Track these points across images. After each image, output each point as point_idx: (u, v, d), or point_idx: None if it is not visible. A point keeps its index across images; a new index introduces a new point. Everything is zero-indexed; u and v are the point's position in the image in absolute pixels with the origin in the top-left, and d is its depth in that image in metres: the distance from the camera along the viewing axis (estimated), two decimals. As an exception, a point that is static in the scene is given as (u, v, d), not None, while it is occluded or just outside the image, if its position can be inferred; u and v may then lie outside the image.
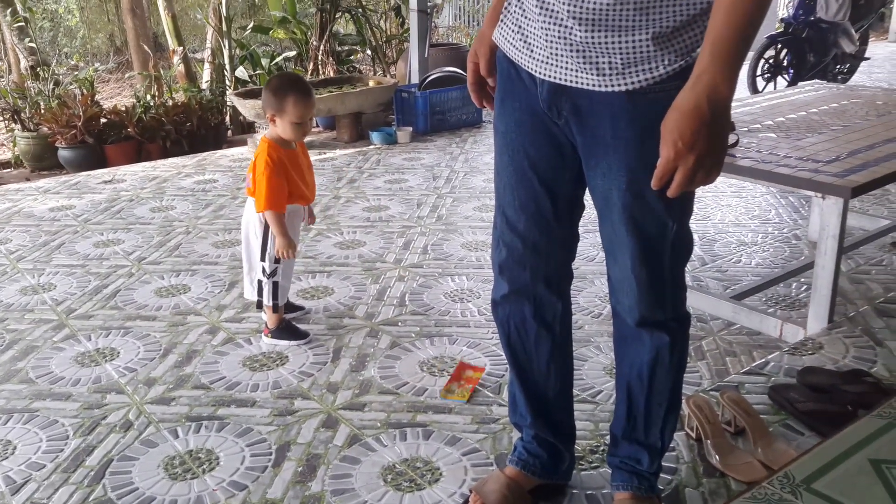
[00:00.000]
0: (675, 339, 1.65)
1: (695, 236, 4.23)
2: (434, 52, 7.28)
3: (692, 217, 1.63)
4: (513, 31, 1.53)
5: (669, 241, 1.54)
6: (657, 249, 1.54)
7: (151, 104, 6.44)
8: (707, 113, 1.23)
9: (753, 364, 2.46)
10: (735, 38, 1.21)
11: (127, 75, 10.02)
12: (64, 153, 6.07)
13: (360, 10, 7.79)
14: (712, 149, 1.25)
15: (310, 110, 2.74)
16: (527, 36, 1.49)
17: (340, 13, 7.59)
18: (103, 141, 6.12)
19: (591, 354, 2.82)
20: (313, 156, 5.95)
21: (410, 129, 6.39)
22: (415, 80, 6.83)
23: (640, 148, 1.42)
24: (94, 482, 2.19)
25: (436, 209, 4.56)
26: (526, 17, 1.48)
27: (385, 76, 7.61)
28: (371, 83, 6.73)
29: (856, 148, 2.65)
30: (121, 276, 3.65)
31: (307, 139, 6.50)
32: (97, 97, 6.73)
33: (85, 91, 6.45)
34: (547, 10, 1.41)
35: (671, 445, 2.00)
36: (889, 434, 1.87)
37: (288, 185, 2.79)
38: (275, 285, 2.90)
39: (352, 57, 8.25)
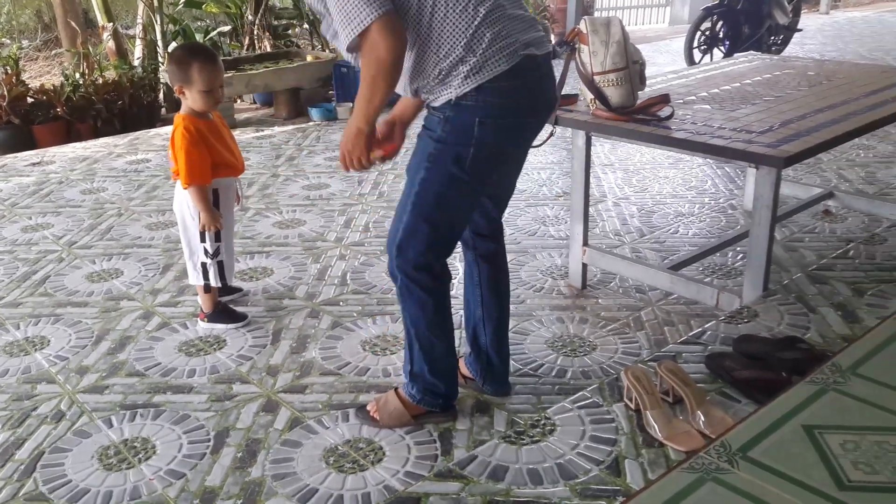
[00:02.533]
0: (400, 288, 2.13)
1: (633, 208, 4.24)
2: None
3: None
4: None
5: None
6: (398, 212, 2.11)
7: (81, 82, 6.22)
8: (345, 132, 2.00)
9: (690, 333, 2.49)
10: (361, 97, 1.91)
11: (55, 53, 9.66)
12: (-12, 134, 5.83)
13: (297, -17, 7.62)
14: (345, 145, 2.01)
15: (217, 76, 2.65)
16: None
17: (276, -14, 7.43)
18: (31, 121, 5.89)
19: (533, 328, 2.83)
20: (250, 133, 5.83)
21: (350, 104, 6.29)
22: (354, 54, 6.71)
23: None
24: (25, 476, 2.12)
25: (377, 186, 4.51)
26: None
27: (323, 51, 7.47)
28: (309, 58, 6.61)
29: (788, 118, 2.68)
30: (50, 261, 3.53)
31: (245, 116, 6.38)
32: (24, 76, 6.47)
33: (10, 70, 6.19)
34: None
35: (610, 417, 2.02)
36: (821, 400, 1.91)
37: (212, 156, 2.71)
38: (220, 265, 2.84)
39: (289, 31, 8.07)
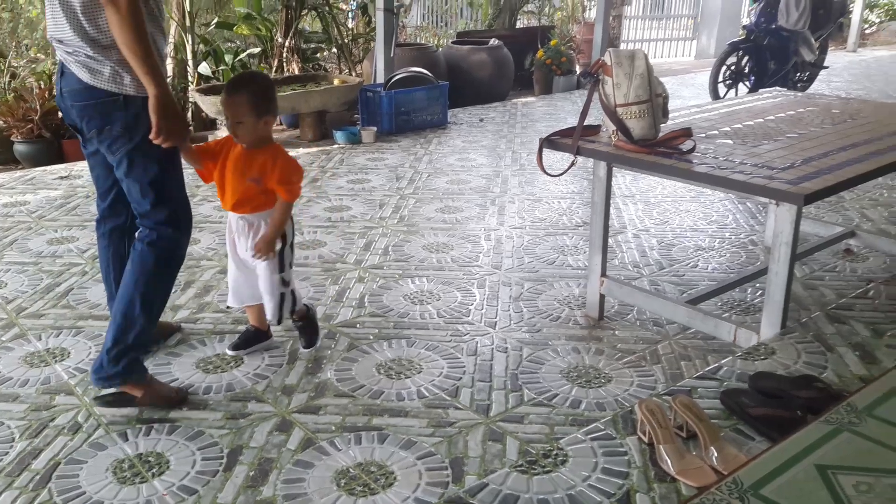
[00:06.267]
0: None
1: (653, 240, 4.22)
2: (400, 52, 7.27)
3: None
4: None
5: None
6: None
7: (111, 99, 6.32)
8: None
9: (706, 368, 2.48)
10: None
11: (88, 69, 9.82)
12: (20, 147, 5.94)
13: (327, 7, 7.74)
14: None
15: (226, 110, 2.58)
16: None
17: (306, 10, 7.54)
18: (61, 136, 6.00)
19: (549, 357, 2.83)
20: (276, 154, 5.88)
21: (375, 128, 6.36)
22: (380, 79, 6.81)
23: None
24: (40, 486, 2.14)
25: (398, 210, 4.55)
26: None
27: (350, 75, 7.57)
28: (336, 82, 6.70)
29: (810, 155, 2.68)
30: (74, 274, 3.58)
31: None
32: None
33: (43, 84, 6.32)
34: None
35: (623, 450, 2.01)
36: (835, 440, 1.90)
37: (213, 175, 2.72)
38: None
39: (317, 55, 8.19)
